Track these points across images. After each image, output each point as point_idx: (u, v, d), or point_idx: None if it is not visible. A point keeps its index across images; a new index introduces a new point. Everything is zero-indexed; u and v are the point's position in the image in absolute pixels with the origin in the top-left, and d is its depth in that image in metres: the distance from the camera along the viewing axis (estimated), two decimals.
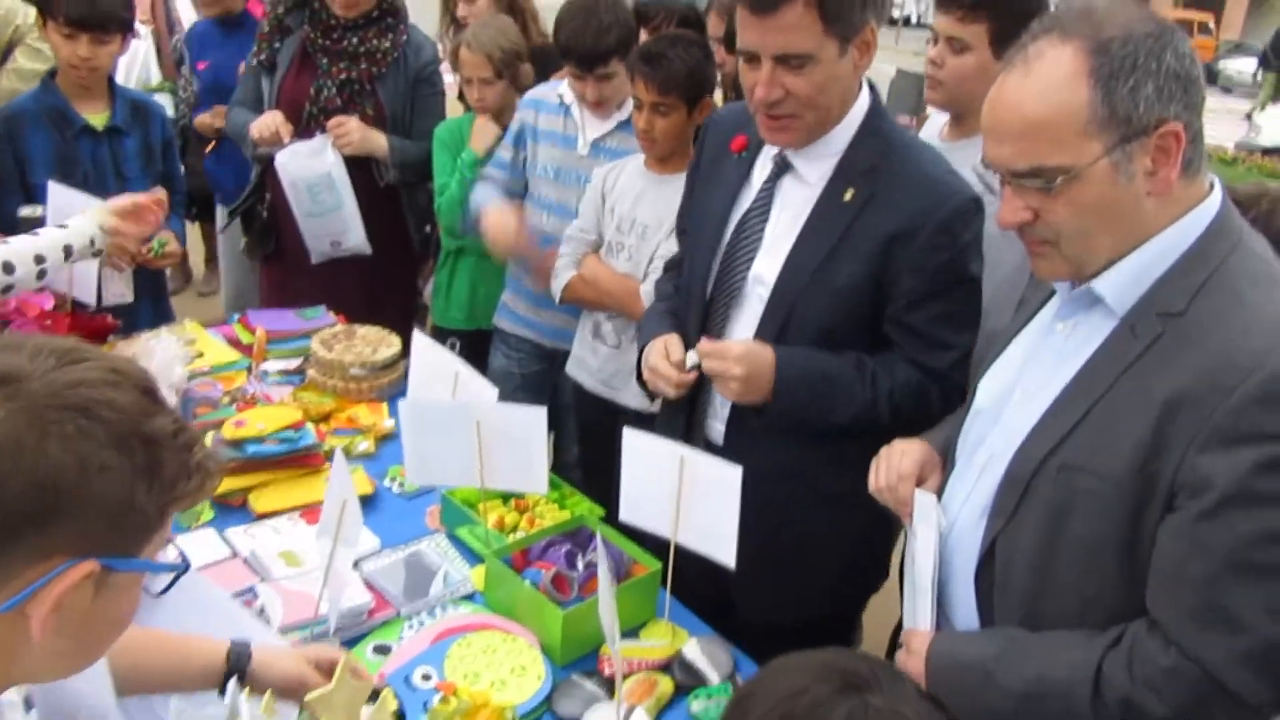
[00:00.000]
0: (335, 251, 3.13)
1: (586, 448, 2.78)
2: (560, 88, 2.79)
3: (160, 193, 2.47)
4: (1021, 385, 1.41)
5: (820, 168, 1.87)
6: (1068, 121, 1.22)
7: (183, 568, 0.98)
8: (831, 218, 1.84)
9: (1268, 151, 11.94)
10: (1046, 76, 1.23)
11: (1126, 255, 1.27)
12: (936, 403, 1.89)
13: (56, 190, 2.40)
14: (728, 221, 1.96)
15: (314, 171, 2.98)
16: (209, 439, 2.09)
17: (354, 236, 3.10)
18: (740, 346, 1.85)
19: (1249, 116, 13.28)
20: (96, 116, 2.74)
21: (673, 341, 1.96)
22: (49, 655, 0.88)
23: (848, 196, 1.83)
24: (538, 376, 2.95)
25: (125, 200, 2.29)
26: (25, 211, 2.46)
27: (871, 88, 1.91)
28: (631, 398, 2.56)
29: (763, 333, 1.90)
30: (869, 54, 1.80)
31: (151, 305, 2.92)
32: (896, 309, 1.86)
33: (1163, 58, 1.20)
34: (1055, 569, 1.30)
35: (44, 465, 0.81)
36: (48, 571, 0.83)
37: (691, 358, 1.90)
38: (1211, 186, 1.30)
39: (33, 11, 3.55)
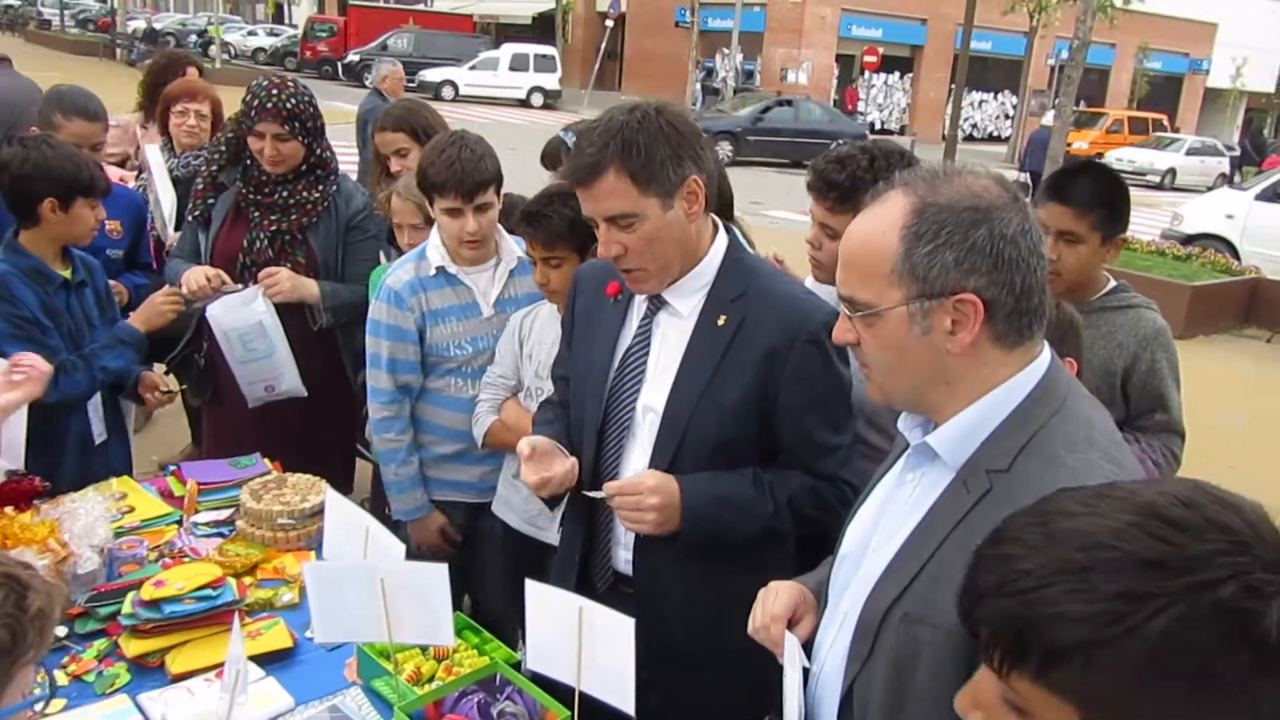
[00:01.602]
0: (270, 396, 3.21)
1: (518, 586, 2.80)
2: (426, 254, 2.79)
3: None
4: (878, 532, 1.48)
5: (691, 301, 2.03)
6: (876, 264, 1.33)
7: (46, 696, 1.04)
8: (709, 343, 1.99)
9: (1191, 239, 12.28)
10: (875, 220, 1.35)
11: (952, 410, 1.36)
12: (835, 504, 2.03)
13: None
14: (611, 360, 2.08)
15: (245, 321, 3.09)
16: (129, 601, 2.13)
17: (287, 380, 3.19)
18: (652, 478, 1.96)
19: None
20: (64, 272, 2.88)
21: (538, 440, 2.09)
22: None
23: (721, 321, 1.99)
24: (464, 532, 2.97)
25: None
26: None
27: (727, 227, 2.08)
28: (556, 536, 2.60)
29: (658, 456, 2.02)
30: (698, 202, 1.95)
31: (119, 443, 3.07)
32: (784, 419, 2.00)
33: (971, 234, 1.29)
34: (904, 716, 1.35)
35: None
36: None
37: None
38: (1041, 352, 1.38)
39: None
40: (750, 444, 2.03)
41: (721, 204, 2.55)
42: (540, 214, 2.51)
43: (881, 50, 32.74)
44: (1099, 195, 2.54)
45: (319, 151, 3.26)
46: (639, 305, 2.10)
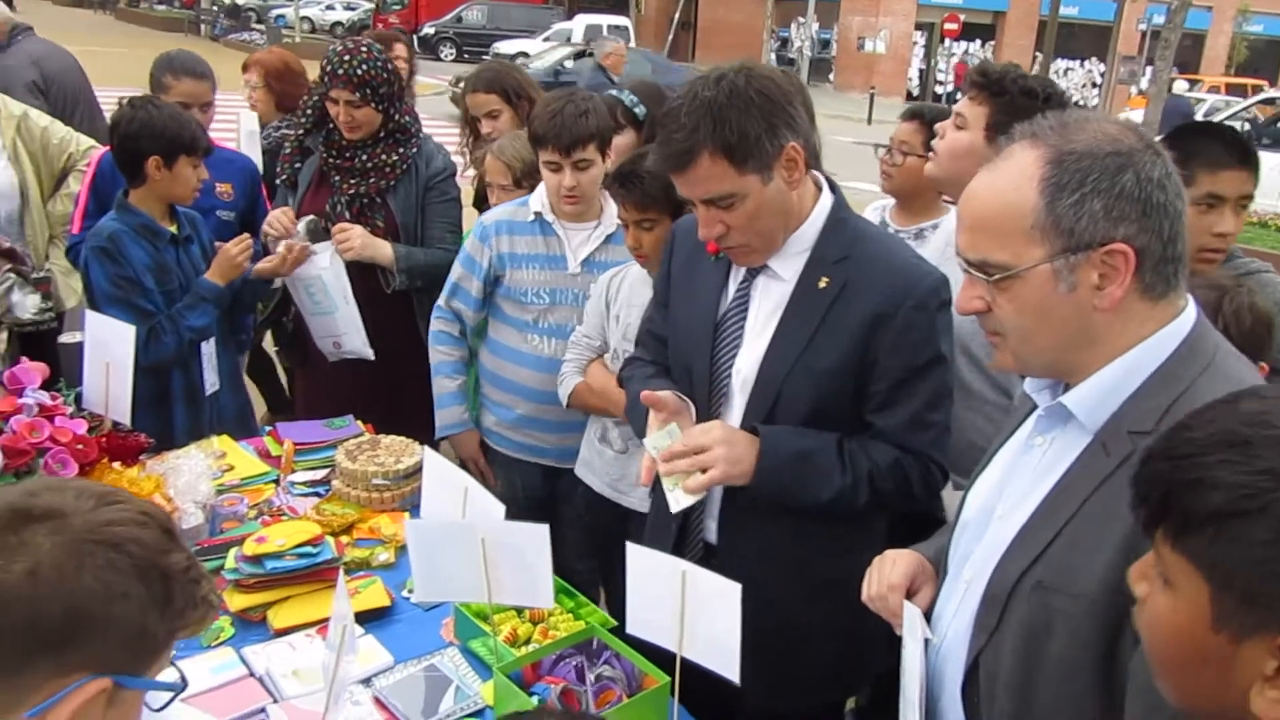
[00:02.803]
0: (339, 352, 3.25)
1: (600, 550, 2.79)
2: (529, 200, 2.83)
3: None
4: (1003, 500, 1.42)
5: (793, 264, 1.95)
6: (1012, 223, 1.26)
7: (180, 688, 1.08)
8: (809, 306, 1.92)
9: None
10: (1005, 176, 1.28)
11: (1093, 371, 1.29)
12: (917, 482, 1.96)
13: (94, 319, 2.52)
14: (711, 323, 2.02)
15: (308, 273, 3.13)
16: (231, 556, 2.16)
17: (352, 340, 3.22)
18: (719, 428, 1.91)
19: None
20: (170, 228, 2.95)
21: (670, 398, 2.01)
22: None
23: (823, 284, 1.92)
24: (539, 496, 2.98)
25: None
26: (65, 338, 2.59)
27: (831, 185, 1.99)
28: (638, 501, 2.60)
29: (749, 421, 1.96)
30: (798, 169, 1.87)
31: (231, 394, 3.17)
32: (878, 389, 1.92)
33: (1119, 179, 1.22)
34: (1035, 689, 1.29)
35: (78, 592, 0.93)
36: (67, 685, 0.94)
37: (658, 439, 1.92)
38: (1186, 306, 1.30)
39: (85, 140, 3.79)
40: (845, 413, 1.95)
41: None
42: (634, 175, 2.46)
43: (963, 17, 31.90)
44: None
45: (396, 116, 3.25)
46: (739, 267, 2.03)
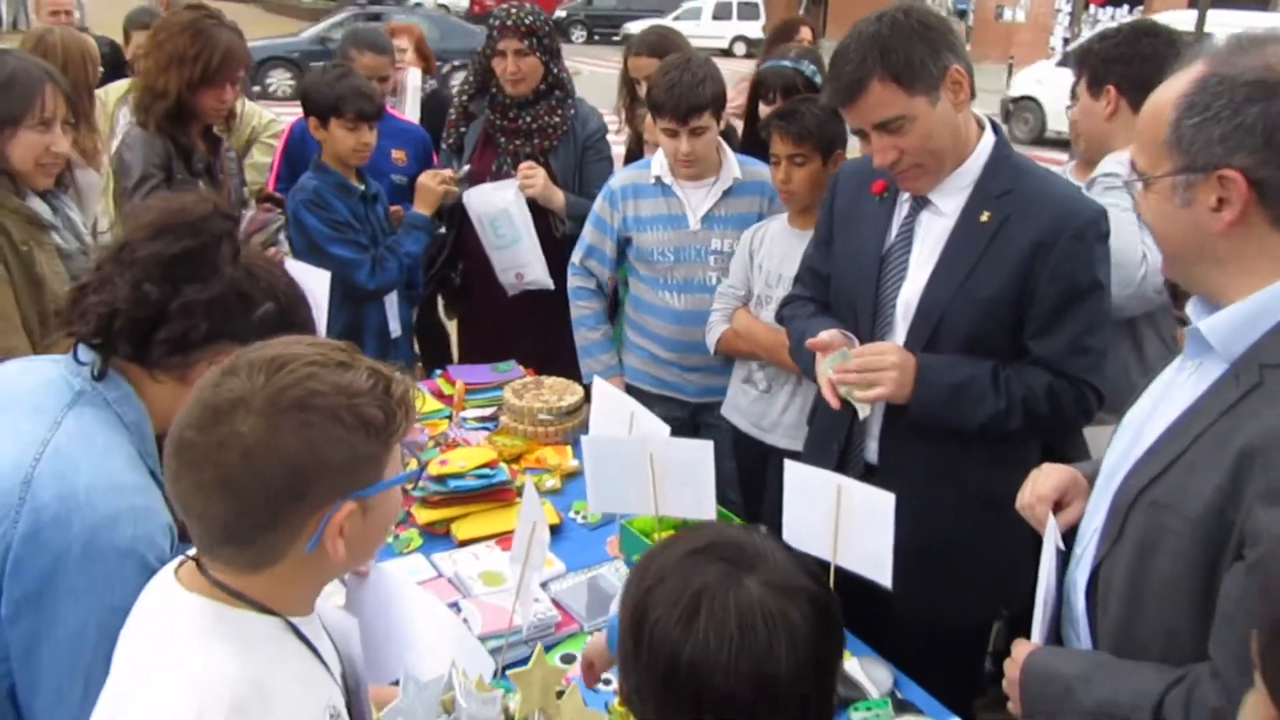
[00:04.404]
0: (520, 284, 3.44)
1: (745, 486, 2.92)
2: (650, 165, 2.97)
3: None
4: (1151, 419, 1.47)
5: (955, 199, 2.04)
6: (1155, 133, 1.33)
7: (418, 473, 1.24)
8: (970, 238, 2.01)
9: (1015, 101, 14.88)
10: (1167, 87, 1.34)
11: (1234, 299, 1.31)
12: (1070, 407, 2.02)
13: (294, 265, 2.78)
14: (876, 257, 2.12)
15: (495, 207, 3.33)
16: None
17: (534, 270, 3.41)
18: (894, 349, 2.03)
19: None
20: (360, 186, 3.22)
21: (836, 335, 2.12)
22: (345, 559, 1.19)
23: (984, 218, 2.00)
24: (683, 432, 3.10)
25: None
26: None
27: (994, 126, 2.08)
28: (780, 438, 2.74)
29: (910, 347, 2.06)
30: (963, 90, 1.96)
31: (407, 343, 3.45)
32: (1036, 315, 2.00)
33: (1245, 110, 1.24)
34: (1142, 602, 1.36)
35: (287, 455, 1.10)
36: (322, 518, 1.13)
37: (831, 361, 2.05)
38: None
39: (266, 114, 4.12)
40: (1002, 340, 2.03)
41: None
42: (795, 111, 2.63)
43: None
44: None
45: (556, 71, 3.43)
46: (902, 205, 2.13)
